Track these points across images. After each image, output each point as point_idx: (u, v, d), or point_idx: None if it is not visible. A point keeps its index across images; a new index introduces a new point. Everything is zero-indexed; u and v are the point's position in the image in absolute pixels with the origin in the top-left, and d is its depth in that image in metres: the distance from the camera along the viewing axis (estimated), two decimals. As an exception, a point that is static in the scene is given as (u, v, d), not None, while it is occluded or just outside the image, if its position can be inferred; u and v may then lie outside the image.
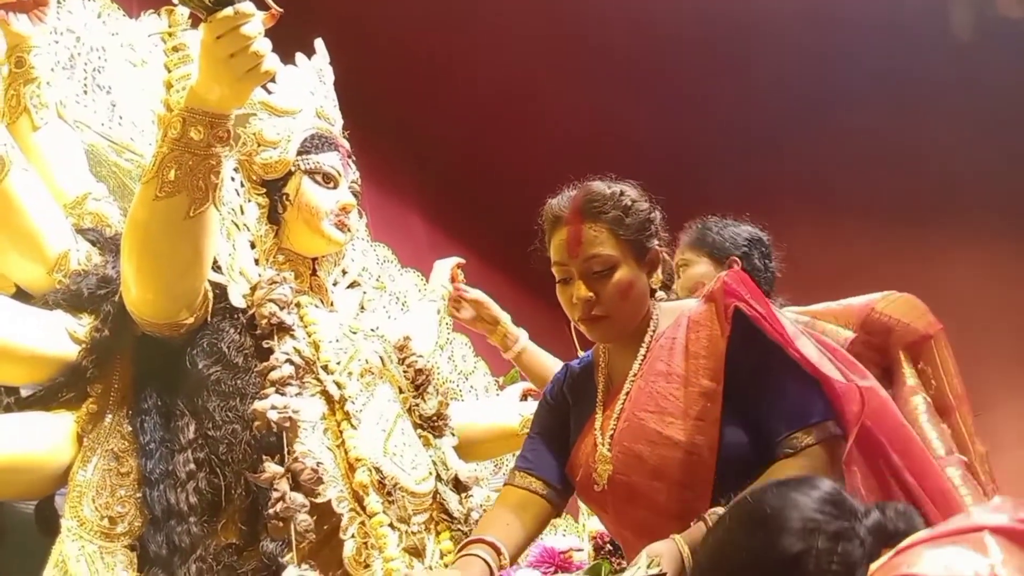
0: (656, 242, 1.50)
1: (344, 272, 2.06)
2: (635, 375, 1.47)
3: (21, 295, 1.64)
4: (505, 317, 2.23)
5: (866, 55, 3.70)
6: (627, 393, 1.46)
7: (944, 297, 3.91)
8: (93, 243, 1.68)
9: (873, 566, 1.02)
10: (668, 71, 3.68)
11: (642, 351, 1.48)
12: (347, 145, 1.97)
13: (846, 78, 3.83)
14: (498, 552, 1.40)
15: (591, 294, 1.44)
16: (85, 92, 2.21)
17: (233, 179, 1.82)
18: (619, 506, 1.44)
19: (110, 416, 1.55)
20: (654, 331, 1.49)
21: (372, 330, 1.96)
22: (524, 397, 2.38)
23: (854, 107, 3.91)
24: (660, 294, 1.56)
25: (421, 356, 2.01)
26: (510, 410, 2.25)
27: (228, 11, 1.32)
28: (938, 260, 3.88)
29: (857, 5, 3.52)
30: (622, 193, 1.49)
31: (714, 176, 4.03)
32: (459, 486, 1.85)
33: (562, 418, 1.60)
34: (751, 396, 1.37)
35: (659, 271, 1.52)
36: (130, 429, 1.56)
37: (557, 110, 3.83)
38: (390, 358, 1.91)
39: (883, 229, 3.97)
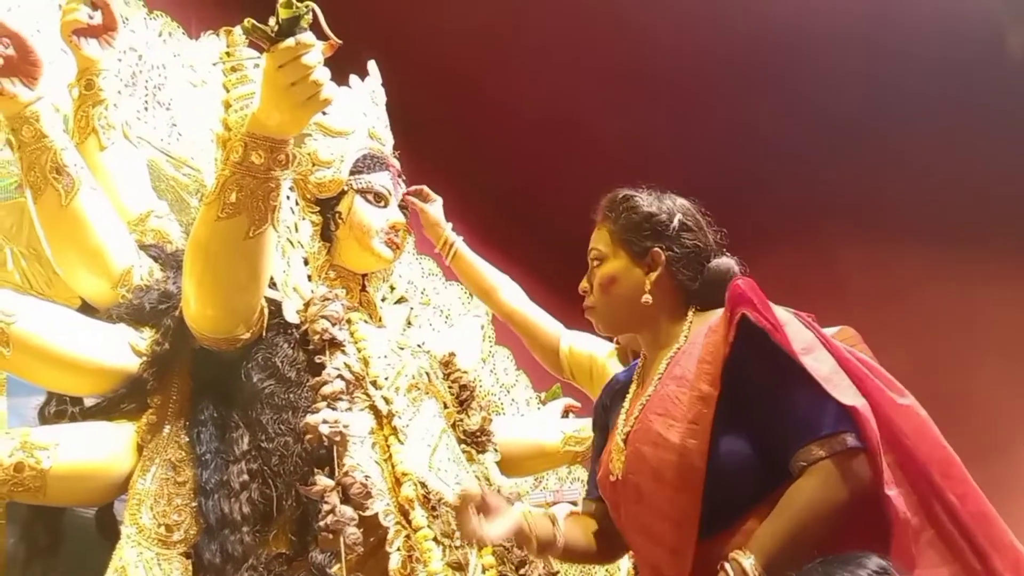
0: (660, 244, 1.54)
1: (392, 288, 2.11)
2: (659, 377, 1.50)
3: (86, 309, 1.70)
4: (445, 224, 2.29)
5: (912, 79, 3.65)
6: (648, 396, 1.50)
7: (986, 321, 3.88)
8: (155, 259, 1.74)
9: None
10: (713, 95, 3.66)
11: (670, 354, 1.51)
12: (398, 165, 2.02)
13: (892, 102, 3.79)
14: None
15: (587, 285, 1.60)
16: (146, 108, 2.29)
17: (288, 197, 1.87)
18: (628, 506, 1.48)
19: (168, 427, 1.61)
20: (686, 337, 1.51)
21: (419, 346, 2.01)
22: (565, 413, 2.40)
23: (899, 131, 3.86)
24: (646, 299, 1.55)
25: (466, 372, 2.05)
26: (551, 427, 2.27)
27: (290, 41, 1.37)
28: (982, 284, 3.83)
29: (904, 30, 3.49)
30: (631, 197, 1.59)
31: (759, 200, 4.01)
32: (501, 501, 1.87)
33: (604, 432, 1.66)
34: (758, 406, 1.37)
35: (659, 270, 1.53)
36: (187, 440, 1.60)
37: (600, 130, 3.84)
38: (436, 374, 1.95)
39: (927, 252, 3.93)
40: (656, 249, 1.53)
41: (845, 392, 1.31)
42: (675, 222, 1.55)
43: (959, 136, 3.77)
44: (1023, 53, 3.31)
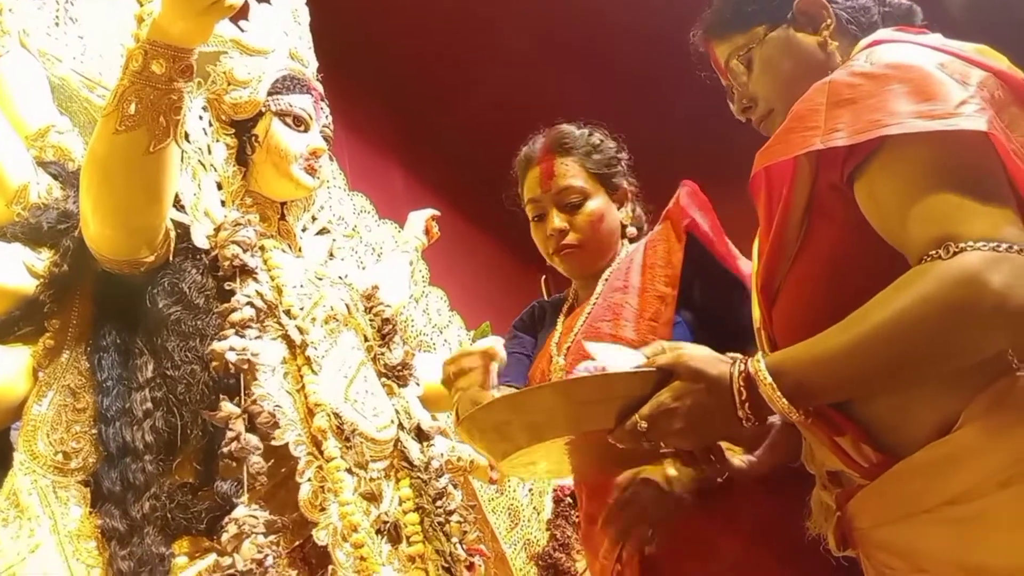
0: (625, 181, 1.60)
1: (314, 218, 2.04)
2: (598, 296, 1.54)
3: (-23, 227, 1.61)
4: None
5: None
6: (588, 313, 1.54)
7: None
8: (55, 177, 1.65)
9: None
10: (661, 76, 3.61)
11: (604, 276, 1.56)
12: (320, 88, 1.94)
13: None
14: None
15: (565, 224, 1.54)
16: (56, 24, 2.16)
17: (201, 118, 1.79)
18: None
19: (67, 352, 1.54)
20: (618, 259, 1.58)
21: (340, 277, 1.95)
22: (494, 351, 2.37)
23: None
24: (631, 229, 1.62)
25: (389, 306, 2.00)
26: (477, 362, 2.24)
27: None
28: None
29: None
30: (591, 133, 1.60)
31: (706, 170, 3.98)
32: (421, 435, 1.85)
33: (531, 335, 1.73)
34: (704, 311, 1.43)
35: (628, 207, 1.61)
36: (87, 365, 1.54)
37: (545, 67, 3.77)
38: (356, 306, 1.90)
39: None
40: (624, 187, 1.60)
41: None
42: (625, 155, 1.64)
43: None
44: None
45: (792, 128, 1.03)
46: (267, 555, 1.35)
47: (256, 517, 1.37)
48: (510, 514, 2.75)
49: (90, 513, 1.43)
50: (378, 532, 1.58)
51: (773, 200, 1.09)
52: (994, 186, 0.92)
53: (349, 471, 1.59)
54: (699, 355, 1.01)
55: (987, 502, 0.89)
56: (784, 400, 0.94)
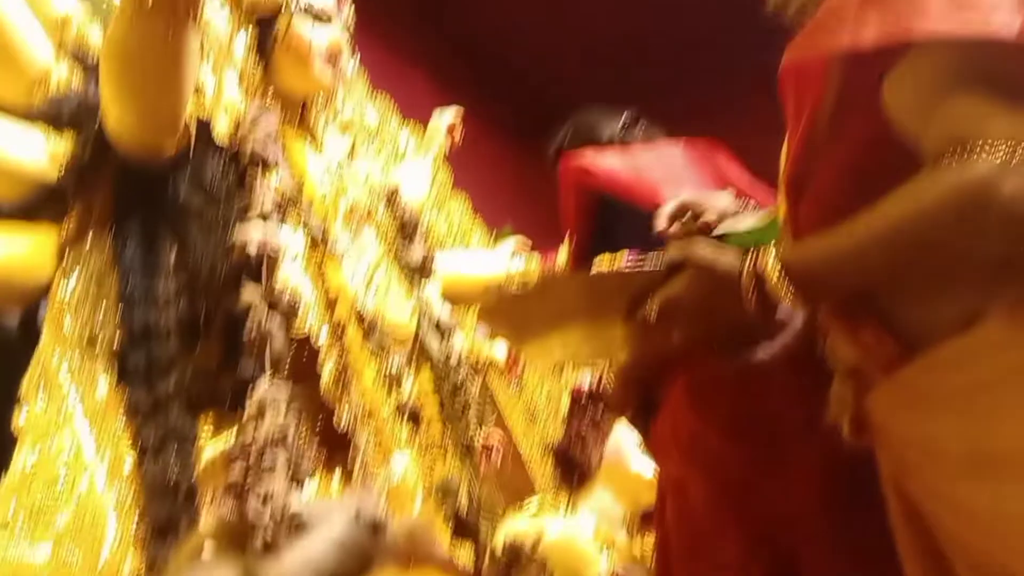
0: None
1: (335, 115, 2.04)
2: None
3: (-2, 112, 1.61)
4: None
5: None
6: None
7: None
8: (76, 64, 1.65)
9: None
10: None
11: None
12: (341, -19, 1.91)
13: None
14: None
15: None
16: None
17: (222, 11, 1.78)
18: None
19: (91, 237, 1.55)
20: None
21: (362, 175, 1.96)
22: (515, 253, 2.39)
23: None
24: None
25: (410, 203, 2.01)
26: (498, 263, 2.26)
27: None
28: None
29: None
30: None
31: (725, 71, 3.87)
32: (441, 329, 1.88)
33: None
34: None
35: None
36: (111, 250, 1.56)
37: None
38: (377, 203, 1.91)
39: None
40: None
41: None
42: None
43: None
44: None
45: (821, 24, 1.01)
46: (290, 430, 1.39)
47: (279, 394, 1.41)
48: (527, 413, 2.80)
49: (116, 390, 1.47)
50: (397, 417, 1.63)
51: (803, 94, 1.07)
52: (1021, 92, 0.90)
53: (370, 357, 1.63)
54: (710, 247, 1.02)
55: (1003, 392, 0.90)
56: (791, 294, 0.96)
